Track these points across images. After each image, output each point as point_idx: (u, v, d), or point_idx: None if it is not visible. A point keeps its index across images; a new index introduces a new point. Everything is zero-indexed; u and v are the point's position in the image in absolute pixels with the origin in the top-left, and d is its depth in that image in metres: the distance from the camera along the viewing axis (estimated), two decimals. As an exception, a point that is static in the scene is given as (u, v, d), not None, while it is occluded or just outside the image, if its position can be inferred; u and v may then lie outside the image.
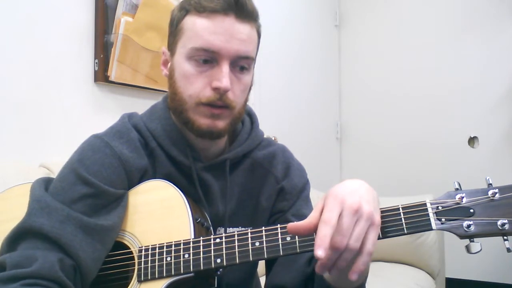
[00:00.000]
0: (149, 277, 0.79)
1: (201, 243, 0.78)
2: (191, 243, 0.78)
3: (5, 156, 1.40)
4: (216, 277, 0.82)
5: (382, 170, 3.22)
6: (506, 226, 0.67)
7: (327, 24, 3.39)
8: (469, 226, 0.68)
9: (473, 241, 0.69)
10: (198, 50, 0.82)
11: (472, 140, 3.00)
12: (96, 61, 1.69)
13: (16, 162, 1.35)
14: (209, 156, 0.92)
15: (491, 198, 0.69)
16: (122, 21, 1.72)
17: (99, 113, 1.71)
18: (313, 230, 0.66)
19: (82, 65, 1.67)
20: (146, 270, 0.79)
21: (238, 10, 0.82)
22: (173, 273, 0.78)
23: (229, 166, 0.92)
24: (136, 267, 0.80)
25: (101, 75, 1.70)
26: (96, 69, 1.69)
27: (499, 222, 0.67)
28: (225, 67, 0.82)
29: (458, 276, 2.90)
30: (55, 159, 1.38)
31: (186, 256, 0.77)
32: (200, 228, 0.83)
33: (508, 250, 0.67)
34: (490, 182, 0.71)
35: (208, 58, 0.82)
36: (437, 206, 0.70)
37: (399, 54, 3.24)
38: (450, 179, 0.77)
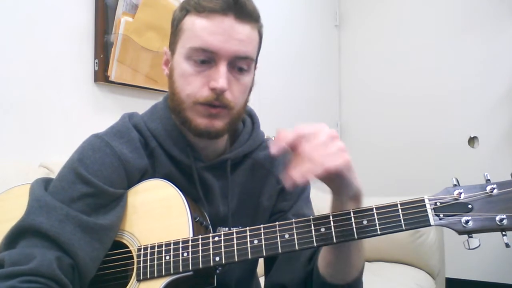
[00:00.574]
0: (148, 276, 0.79)
1: (200, 242, 0.78)
2: (190, 241, 0.78)
3: (5, 156, 1.40)
4: (215, 276, 0.82)
5: (382, 170, 3.22)
6: (505, 221, 0.67)
7: (327, 24, 3.39)
8: (467, 221, 0.68)
9: (471, 237, 0.69)
10: (196, 50, 0.82)
11: (472, 140, 3.00)
12: (96, 61, 1.69)
13: (16, 162, 1.35)
14: (210, 156, 0.92)
15: (489, 193, 0.69)
16: (122, 21, 1.72)
17: (99, 113, 1.72)
18: (290, 141, 0.70)
19: (82, 65, 1.67)
20: (145, 269, 0.79)
21: (238, 11, 0.82)
22: (172, 271, 0.78)
23: (230, 166, 0.93)
24: (135, 266, 0.80)
25: (101, 75, 1.70)
26: (96, 69, 1.69)
27: (497, 218, 0.67)
28: (222, 68, 0.82)
29: (458, 276, 2.90)
30: (55, 159, 1.38)
31: (185, 254, 0.78)
32: (199, 227, 0.83)
33: (507, 245, 0.67)
34: (488, 178, 0.71)
35: (206, 58, 0.82)
36: (435, 202, 0.70)
37: (399, 54, 3.24)
38: (450, 179, 0.77)
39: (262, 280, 1.02)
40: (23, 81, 1.48)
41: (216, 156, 0.93)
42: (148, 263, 0.79)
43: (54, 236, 0.75)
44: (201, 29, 0.82)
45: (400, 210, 0.71)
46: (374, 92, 3.33)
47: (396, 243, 2.18)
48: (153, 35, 1.83)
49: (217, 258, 0.76)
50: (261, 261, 0.98)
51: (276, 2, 2.75)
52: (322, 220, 0.74)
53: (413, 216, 0.70)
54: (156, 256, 0.79)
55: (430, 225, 0.69)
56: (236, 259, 0.75)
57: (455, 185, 0.71)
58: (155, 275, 0.78)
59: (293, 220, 0.75)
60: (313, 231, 0.73)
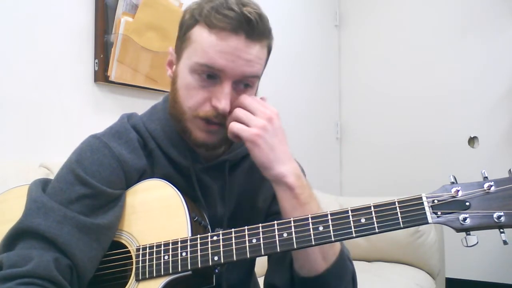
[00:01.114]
0: (147, 276, 0.79)
1: (199, 241, 0.78)
2: (189, 241, 0.78)
3: (5, 156, 1.40)
4: (214, 276, 0.82)
5: (382, 170, 3.22)
6: (502, 219, 0.67)
7: (327, 24, 3.39)
8: (465, 219, 0.68)
9: (469, 234, 0.69)
10: (202, 66, 0.81)
11: (472, 140, 2.99)
12: (96, 61, 1.69)
13: (16, 162, 1.36)
14: (208, 158, 0.92)
15: (487, 191, 0.69)
16: (122, 21, 1.72)
17: (99, 113, 1.72)
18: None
19: (82, 65, 1.67)
20: (144, 269, 0.79)
21: (249, 31, 0.80)
22: (171, 271, 0.78)
23: (228, 167, 0.93)
24: (134, 266, 0.80)
25: (101, 75, 1.70)
26: (96, 69, 1.69)
27: (495, 215, 0.67)
28: (227, 88, 0.81)
29: (458, 276, 2.90)
30: (55, 159, 1.38)
31: (184, 254, 0.78)
32: (198, 226, 0.83)
33: (505, 242, 0.67)
34: (486, 175, 0.71)
35: (211, 74, 0.82)
36: (433, 200, 0.70)
37: (399, 54, 3.24)
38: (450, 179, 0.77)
39: (261, 281, 1.02)
40: (23, 81, 1.48)
41: (215, 157, 0.92)
42: (147, 263, 0.79)
43: (52, 237, 0.75)
44: (209, 46, 0.80)
45: (398, 208, 0.71)
46: (374, 92, 3.33)
47: (396, 243, 2.18)
48: (153, 35, 1.83)
49: (216, 258, 0.76)
50: (260, 261, 0.98)
51: (276, 2, 2.75)
52: (320, 218, 0.74)
53: (410, 214, 0.70)
54: (154, 256, 0.79)
55: (427, 223, 0.69)
56: (234, 258, 0.76)
57: (453, 182, 0.72)
58: (154, 275, 0.78)
59: (292, 219, 0.76)
60: (311, 229, 0.73)
